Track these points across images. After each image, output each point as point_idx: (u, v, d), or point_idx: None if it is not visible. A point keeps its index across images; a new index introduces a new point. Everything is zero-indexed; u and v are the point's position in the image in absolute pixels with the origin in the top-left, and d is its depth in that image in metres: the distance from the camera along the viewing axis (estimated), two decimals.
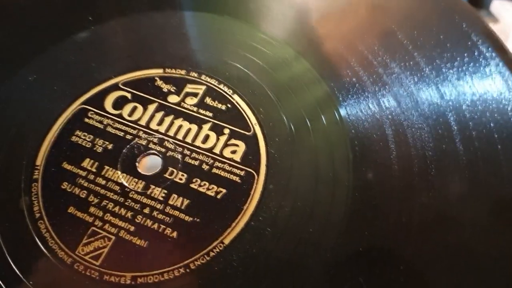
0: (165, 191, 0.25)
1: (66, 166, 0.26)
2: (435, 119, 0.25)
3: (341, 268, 0.23)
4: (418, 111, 0.25)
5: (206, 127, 0.27)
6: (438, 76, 0.25)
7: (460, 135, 0.24)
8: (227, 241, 0.23)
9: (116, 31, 0.30)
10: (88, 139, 0.26)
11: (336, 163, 0.25)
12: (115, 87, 0.28)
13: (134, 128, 0.27)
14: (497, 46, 0.25)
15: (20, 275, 0.23)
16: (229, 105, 0.27)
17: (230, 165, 0.25)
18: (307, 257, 0.23)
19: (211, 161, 0.26)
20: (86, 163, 0.26)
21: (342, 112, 0.26)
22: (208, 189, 0.25)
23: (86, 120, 0.27)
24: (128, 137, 0.26)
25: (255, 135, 0.26)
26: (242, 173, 0.25)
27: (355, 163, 0.25)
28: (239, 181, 0.25)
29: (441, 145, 0.25)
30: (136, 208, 0.25)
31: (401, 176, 0.24)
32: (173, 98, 0.27)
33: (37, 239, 0.24)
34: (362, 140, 0.25)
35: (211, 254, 0.23)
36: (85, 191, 0.25)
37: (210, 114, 0.27)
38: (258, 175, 0.25)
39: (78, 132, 0.27)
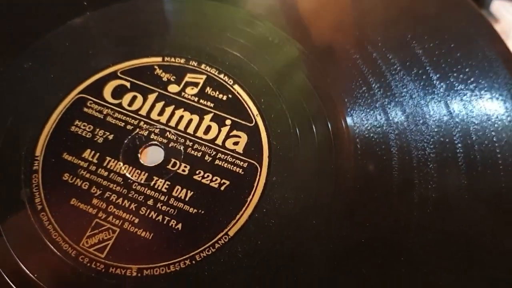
0: (168, 183, 0.25)
1: (67, 157, 0.26)
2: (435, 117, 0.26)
3: (343, 259, 0.23)
4: (422, 110, 0.25)
5: (207, 117, 0.26)
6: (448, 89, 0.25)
7: (460, 133, 0.25)
8: (231, 233, 0.24)
9: (112, 17, 0.30)
10: (88, 129, 0.26)
11: (338, 155, 0.25)
12: (114, 76, 0.28)
13: (135, 118, 0.26)
14: None
15: (24, 268, 0.23)
16: (230, 96, 0.27)
17: (232, 157, 0.26)
18: (310, 249, 0.24)
19: (214, 152, 0.26)
20: (87, 154, 0.26)
21: (344, 105, 0.26)
22: (211, 180, 0.25)
23: (85, 109, 0.27)
24: (129, 127, 0.26)
25: (256, 126, 0.26)
26: (245, 164, 0.25)
27: (356, 155, 0.25)
28: (242, 172, 0.25)
29: (439, 138, 0.25)
30: (140, 199, 0.25)
31: (401, 169, 0.25)
32: (173, 88, 0.27)
33: (40, 231, 0.24)
34: (363, 132, 0.26)
35: (216, 245, 0.23)
36: (87, 183, 0.25)
37: (211, 105, 0.27)
38: (261, 167, 0.25)
39: (77, 122, 0.26)
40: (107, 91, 0.27)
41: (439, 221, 0.24)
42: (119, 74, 0.28)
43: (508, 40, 0.41)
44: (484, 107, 0.26)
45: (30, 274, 0.23)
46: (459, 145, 0.25)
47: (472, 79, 0.26)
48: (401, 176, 0.25)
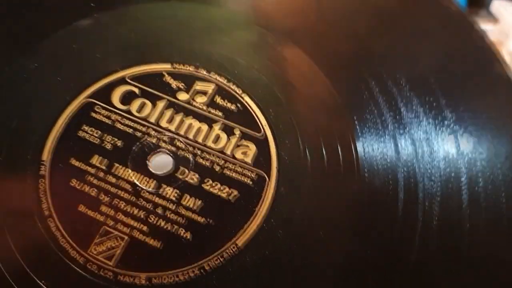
0: (177, 191, 0.25)
1: (74, 162, 0.25)
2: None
3: (351, 271, 0.24)
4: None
5: (216, 127, 0.27)
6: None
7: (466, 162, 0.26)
8: (240, 243, 0.24)
9: (120, 20, 0.29)
10: (96, 135, 0.26)
11: (346, 170, 0.26)
12: (122, 81, 0.27)
13: (144, 125, 0.26)
14: None
15: (32, 275, 0.23)
16: (239, 105, 0.27)
17: (241, 167, 0.26)
18: (318, 261, 0.24)
19: (223, 162, 0.26)
20: (95, 160, 0.25)
21: (351, 119, 0.27)
22: (220, 190, 0.25)
23: (93, 114, 0.27)
24: (138, 134, 0.26)
25: (265, 137, 0.26)
26: (254, 175, 0.26)
27: (363, 170, 0.26)
28: (250, 183, 0.25)
29: (444, 156, 0.26)
30: (149, 207, 0.25)
31: (407, 185, 0.25)
32: (182, 96, 0.27)
33: (47, 237, 0.24)
34: (371, 149, 0.26)
35: (225, 255, 0.24)
36: (95, 189, 0.25)
37: (220, 114, 0.27)
38: (269, 178, 0.25)
39: (85, 127, 0.26)
40: (116, 97, 0.27)
41: (442, 236, 0.25)
42: (127, 79, 0.27)
43: (508, 40, 0.41)
44: (485, 126, 0.27)
45: (38, 281, 0.23)
46: (462, 161, 0.26)
47: (476, 100, 0.27)
48: (407, 192, 0.25)
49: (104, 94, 0.27)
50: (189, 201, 0.25)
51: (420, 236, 0.24)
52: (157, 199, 0.25)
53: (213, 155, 0.26)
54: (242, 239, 0.24)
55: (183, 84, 0.28)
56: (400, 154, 0.26)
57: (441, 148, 0.26)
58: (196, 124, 0.27)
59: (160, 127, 0.26)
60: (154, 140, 0.26)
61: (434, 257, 0.24)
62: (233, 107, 0.27)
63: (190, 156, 0.26)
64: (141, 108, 0.27)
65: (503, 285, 0.24)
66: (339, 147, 0.26)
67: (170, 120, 0.27)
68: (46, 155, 0.25)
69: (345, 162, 0.26)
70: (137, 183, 0.25)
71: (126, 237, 0.24)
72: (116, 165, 0.25)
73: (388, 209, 0.25)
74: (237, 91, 0.28)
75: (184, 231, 0.24)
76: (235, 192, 0.25)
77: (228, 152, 0.26)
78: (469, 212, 0.25)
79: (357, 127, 0.26)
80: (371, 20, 0.28)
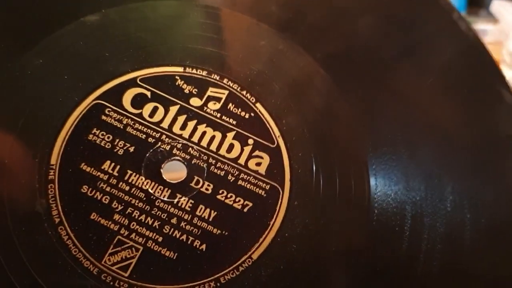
0: (192, 201, 0.25)
1: (85, 167, 0.25)
2: None
3: (362, 285, 0.25)
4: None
5: (230, 135, 0.26)
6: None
7: None
8: (255, 256, 0.24)
9: (129, 18, 0.28)
10: (107, 139, 0.25)
11: (356, 184, 0.26)
12: (133, 83, 0.27)
13: (156, 131, 0.26)
14: None
15: (44, 285, 0.22)
16: (252, 114, 0.27)
17: (255, 178, 0.26)
18: (330, 274, 0.25)
19: (237, 172, 0.26)
20: (107, 165, 0.25)
21: (364, 133, 0.27)
22: (234, 201, 0.25)
23: (104, 117, 0.26)
24: (151, 140, 0.26)
25: (278, 148, 0.26)
26: (267, 187, 0.26)
27: (374, 184, 0.26)
28: (264, 195, 0.25)
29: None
30: (163, 217, 0.24)
31: (413, 202, 0.26)
32: (195, 101, 0.27)
33: (58, 246, 0.23)
34: (383, 161, 0.27)
35: (240, 268, 0.24)
36: (107, 197, 0.24)
37: (234, 122, 0.27)
38: (283, 190, 0.26)
39: (95, 131, 0.25)
40: (127, 99, 0.26)
41: (444, 252, 0.26)
42: (138, 81, 0.27)
43: (508, 40, 0.42)
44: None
45: None
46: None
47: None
48: (413, 210, 0.26)
49: (115, 96, 0.26)
50: (204, 211, 0.25)
51: (426, 248, 0.26)
52: (171, 209, 0.25)
53: (227, 165, 0.26)
54: (257, 252, 0.24)
55: (196, 89, 0.27)
56: (409, 178, 0.26)
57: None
58: (209, 131, 0.26)
59: (173, 133, 0.26)
60: (167, 147, 0.26)
61: (438, 268, 0.25)
62: (246, 115, 0.27)
63: (204, 165, 0.26)
64: (153, 112, 0.26)
65: None
66: (351, 162, 0.27)
67: (184, 127, 0.26)
68: (54, 158, 0.24)
69: (356, 177, 0.26)
70: (151, 191, 0.25)
71: (141, 248, 0.24)
72: (129, 172, 0.25)
73: (397, 221, 0.26)
74: (250, 99, 0.27)
75: (199, 242, 0.24)
76: (250, 204, 0.25)
77: (242, 162, 0.26)
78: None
79: (370, 141, 0.27)
80: (395, 39, 0.29)
